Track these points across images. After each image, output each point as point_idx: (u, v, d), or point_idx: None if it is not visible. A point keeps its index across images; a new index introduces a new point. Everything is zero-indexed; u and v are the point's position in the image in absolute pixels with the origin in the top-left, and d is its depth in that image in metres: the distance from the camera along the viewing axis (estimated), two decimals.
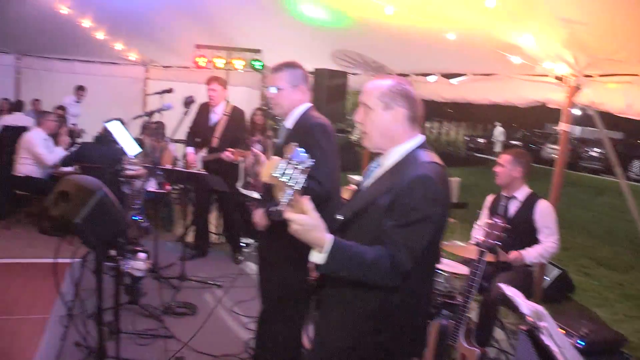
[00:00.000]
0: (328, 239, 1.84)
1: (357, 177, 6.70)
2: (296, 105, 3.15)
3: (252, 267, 6.07)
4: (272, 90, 3.14)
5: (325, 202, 3.15)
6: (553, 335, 2.20)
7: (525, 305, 2.36)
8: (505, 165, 4.14)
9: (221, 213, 6.70)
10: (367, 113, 2.08)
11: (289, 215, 1.80)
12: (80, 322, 4.10)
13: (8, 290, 4.91)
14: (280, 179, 1.74)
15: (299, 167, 1.76)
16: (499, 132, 27.76)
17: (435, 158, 2.04)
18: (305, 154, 1.79)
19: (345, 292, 2.07)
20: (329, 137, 3.09)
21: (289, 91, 3.11)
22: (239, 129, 5.91)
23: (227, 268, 5.93)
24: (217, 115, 5.80)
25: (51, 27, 8.91)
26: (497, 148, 26.78)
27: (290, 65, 3.15)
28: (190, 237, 6.25)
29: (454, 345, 3.15)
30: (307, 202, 1.82)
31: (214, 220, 6.99)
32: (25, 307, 4.64)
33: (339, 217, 2.14)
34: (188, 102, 3.78)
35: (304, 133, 3.02)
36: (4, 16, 8.66)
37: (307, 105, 3.19)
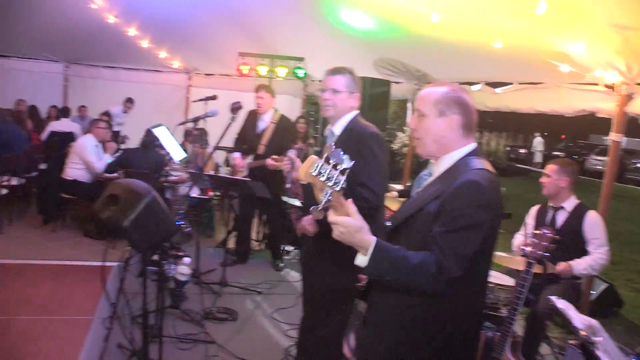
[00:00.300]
0: (372, 241, 1.82)
1: (397, 186, 6.65)
2: (347, 112, 3.15)
3: (292, 274, 6.07)
4: (329, 91, 3.12)
5: (375, 211, 3.14)
6: (609, 350, 2.11)
7: (579, 319, 2.27)
8: (552, 176, 4.05)
9: (263, 220, 6.72)
10: (421, 120, 2.05)
11: (333, 218, 1.79)
12: (123, 325, 4.18)
13: (53, 292, 5.02)
14: (318, 178, 1.72)
15: (339, 167, 1.73)
16: (537, 142, 27.28)
17: (487, 165, 2.00)
18: (344, 155, 1.76)
19: (392, 300, 2.03)
20: (383, 147, 3.09)
21: (346, 95, 3.11)
22: (286, 138, 5.91)
23: (267, 275, 5.94)
24: (265, 122, 5.84)
25: (98, 36, 9.17)
26: (537, 158, 26.32)
27: (350, 71, 3.16)
28: (231, 243, 6.29)
29: (499, 359, 3.06)
30: (350, 205, 1.80)
31: (255, 227, 7.02)
32: (69, 308, 4.73)
33: (388, 224, 2.12)
34: (235, 107, 3.75)
35: (357, 141, 3.01)
36: (54, 26, 8.94)
37: (356, 112, 3.18)
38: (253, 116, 5.94)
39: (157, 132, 4.68)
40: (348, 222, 1.78)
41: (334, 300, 3.11)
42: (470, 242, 1.86)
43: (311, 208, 1.78)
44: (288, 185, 6.54)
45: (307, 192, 4.49)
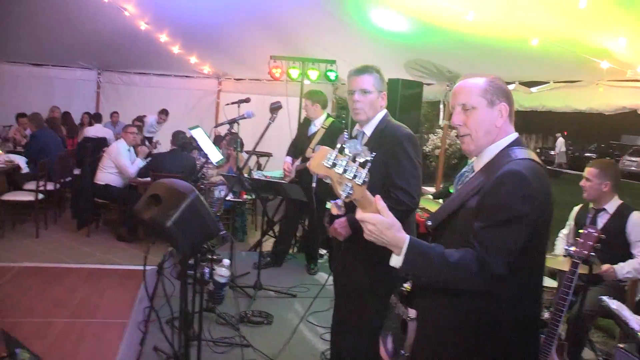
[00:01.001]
0: (405, 238, 1.74)
1: (430, 189, 6.58)
2: (378, 112, 3.06)
3: (326, 277, 6.04)
4: (358, 92, 3.00)
5: (410, 215, 3.08)
6: None
7: (636, 320, 2.19)
8: (592, 180, 3.93)
9: (303, 223, 6.75)
10: (470, 113, 1.96)
11: (360, 215, 1.71)
12: (159, 328, 4.20)
13: (88, 295, 5.08)
14: (334, 170, 1.60)
15: (358, 159, 1.61)
16: (560, 142, 26.88)
17: (532, 155, 1.90)
18: (362, 146, 1.63)
19: (444, 305, 1.93)
20: (417, 148, 3.01)
21: (375, 96, 3.01)
22: (333, 142, 5.92)
23: (301, 278, 5.92)
24: (315, 127, 5.91)
25: (131, 43, 9.31)
26: (560, 159, 25.90)
27: (377, 70, 3.04)
28: (265, 247, 6.28)
29: None
30: (379, 201, 1.72)
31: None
32: (105, 311, 4.78)
33: (429, 223, 2.04)
34: (274, 107, 3.58)
35: (391, 143, 2.94)
36: (89, 34, 9.11)
37: (385, 111, 3.09)
38: (307, 121, 6.03)
39: (194, 133, 4.69)
40: (378, 219, 1.70)
41: (367, 302, 3.05)
42: (513, 236, 1.76)
43: (330, 203, 1.69)
44: (313, 184, 6.53)
45: (322, 186, 4.43)
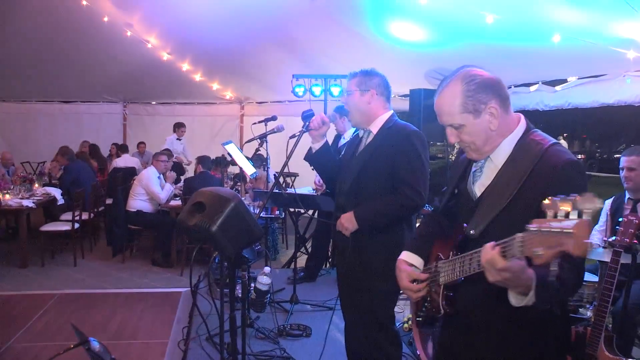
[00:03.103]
0: (532, 275, 1.52)
1: None
2: (377, 112, 3.05)
3: None
4: (345, 95, 3.10)
5: (415, 212, 3.06)
6: None
7: None
8: (637, 168, 3.81)
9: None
10: (461, 131, 1.86)
11: (505, 265, 1.48)
12: (199, 345, 4.23)
13: (127, 318, 5.14)
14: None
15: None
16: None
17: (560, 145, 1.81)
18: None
19: (493, 314, 1.82)
20: (425, 146, 3.00)
21: (358, 94, 3.03)
22: None
23: (336, 291, 5.89)
24: (345, 140, 5.97)
25: (154, 73, 9.56)
26: None
27: (364, 71, 3.06)
28: (298, 263, 6.29)
29: (595, 355, 2.94)
30: None
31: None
32: (145, 333, 4.82)
33: (472, 231, 1.82)
34: (307, 115, 3.36)
35: (399, 139, 2.94)
36: (112, 68, 9.39)
37: (391, 112, 3.08)
38: (337, 136, 6.11)
39: (228, 148, 4.77)
40: (516, 267, 1.48)
41: (380, 299, 3.04)
42: None
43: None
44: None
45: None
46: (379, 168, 2.96)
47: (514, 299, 1.60)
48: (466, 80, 1.79)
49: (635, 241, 2.94)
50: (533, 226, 1.36)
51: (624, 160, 3.93)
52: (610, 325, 3.05)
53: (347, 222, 2.98)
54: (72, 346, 2.74)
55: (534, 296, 1.54)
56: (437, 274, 1.94)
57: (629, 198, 3.98)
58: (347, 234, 3.01)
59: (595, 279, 3.90)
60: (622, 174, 3.91)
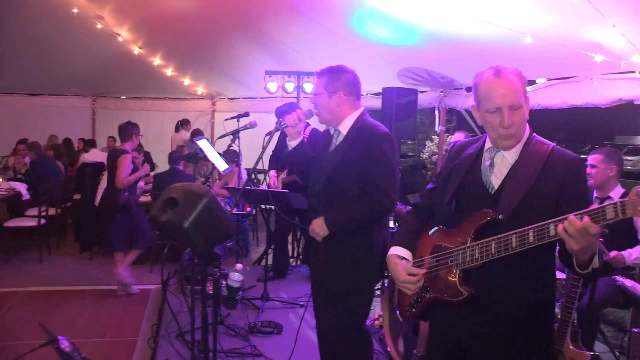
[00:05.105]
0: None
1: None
2: (345, 112, 3.03)
3: None
4: (312, 96, 3.12)
5: (386, 215, 3.08)
6: None
7: None
8: (598, 165, 3.94)
9: (298, 236, 6.74)
10: (518, 112, 1.98)
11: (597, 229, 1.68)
12: (169, 343, 4.19)
13: (95, 316, 5.09)
14: None
15: None
16: None
17: None
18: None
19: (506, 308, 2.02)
20: (394, 148, 2.99)
21: (326, 97, 3.02)
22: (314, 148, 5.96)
23: (307, 288, 5.89)
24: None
25: (124, 68, 9.41)
26: None
27: (330, 70, 3.04)
28: (270, 260, 6.29)
29: (560, 350, 3.00)
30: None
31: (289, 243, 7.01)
32: (114, 330, 4.78)
33: (500, 216, 1.95)
34: (282, 111, 3.26)
35: (367, 142, 2.93)
36: (83, 62, 9.21)
37: (360, 110, 3.06)
38: (283, 134, 6.02)
39: (200, 143, 4.73)
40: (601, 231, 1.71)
41: (352, 303, 3.05)
42: None
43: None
44: None
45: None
46: (348, 172, 2.95)
47: (580, 267, 1.83)
48: (518, 72, 2.02)
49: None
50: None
51: (587, 158, 4.05)
52: (576, 321, 3.11)
53: (318, 227, 2.99)
54: (39, 346, 2.68)
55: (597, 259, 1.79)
56: (446, 261, 2.05)
57: (595, 197, 4.08)
58: (318, 239, 3.02)
59: (563, 276, 3.97)
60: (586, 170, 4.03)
